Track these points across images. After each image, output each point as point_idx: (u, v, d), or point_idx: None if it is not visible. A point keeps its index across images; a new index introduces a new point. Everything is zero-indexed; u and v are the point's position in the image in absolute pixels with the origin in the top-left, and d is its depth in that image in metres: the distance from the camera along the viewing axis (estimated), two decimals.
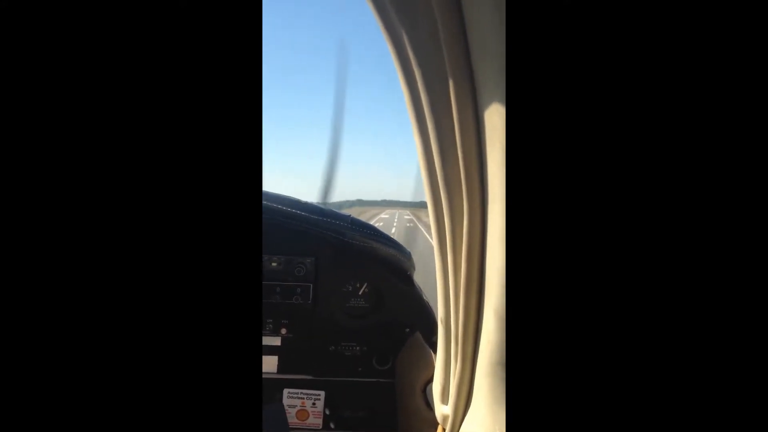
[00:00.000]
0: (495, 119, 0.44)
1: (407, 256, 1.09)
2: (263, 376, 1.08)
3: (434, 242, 0.62)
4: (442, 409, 0.70)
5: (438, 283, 0.64)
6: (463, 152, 0.49)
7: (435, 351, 0.96)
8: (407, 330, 1.08)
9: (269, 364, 1.08)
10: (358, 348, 1.09)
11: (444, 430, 0.70)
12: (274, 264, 1.04)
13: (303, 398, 1.09)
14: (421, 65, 0.49)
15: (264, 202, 1.05)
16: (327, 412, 1.09)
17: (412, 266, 1.11)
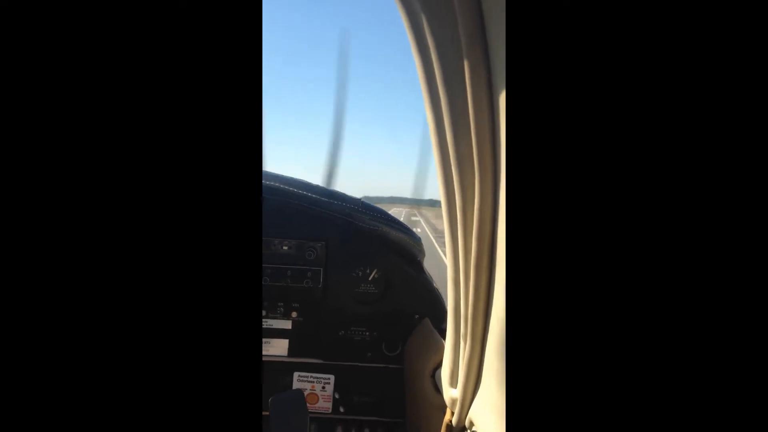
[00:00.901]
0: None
1: (417, 241, 1.09)
2: (274, 359, 1.09)
3: (445, 221, 0.62)
4: (451, 393, 0.70)
5: (448, 263, 0.64)
6: (476, 127, 0.49)
7: (444, 338, 0.96)
8: (417, 316, 1.09)
9: (280, 347, 1.09)
10: (367, 333, 1.10)
11: (452, 413, 0.70)
12: (285, 248, 1.05)
13: (313, 382, 1.10)
14: (434, 35, 0.48)
15: (275, 184, 1.05)
16: (336, 396, 1.10)
17: (422, 252, 1.11)
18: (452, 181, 0.56)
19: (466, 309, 0.59)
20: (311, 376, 1.10)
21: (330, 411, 1.11)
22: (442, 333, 1.05)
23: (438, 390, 0.99)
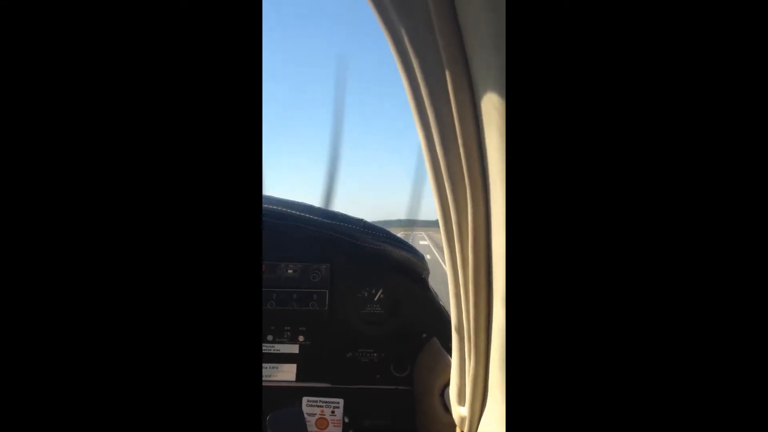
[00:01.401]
0: (491, 104, 0.45)
1: (420, 258, 1.10)
2: (283, 384, 1.09)
3: (443, 236, 0.62)
4: (460, 411, 0.69)
5: (449, 279, 0.64)
6: (463, 139, 0.50)
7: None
8: (424, 335, 1.08)
9: (288, 372, 1.09)
10: (375, 354, 1.09)
11: None
12: (290, 271, 1.06)
13: (322, 406, 1.09)
14: (418, 54, 0.50)
15: (278, 208, 1.07)
16: (346, 420, 1.09)
17: (427, 269, 1.11)
18: (446, 196, 0.57)
19: (468, 324, 0.59)
20: (320, 401, 1.09)
21: None
22: (450, 351, 1.04)
23: (447, 409, 0.97)
